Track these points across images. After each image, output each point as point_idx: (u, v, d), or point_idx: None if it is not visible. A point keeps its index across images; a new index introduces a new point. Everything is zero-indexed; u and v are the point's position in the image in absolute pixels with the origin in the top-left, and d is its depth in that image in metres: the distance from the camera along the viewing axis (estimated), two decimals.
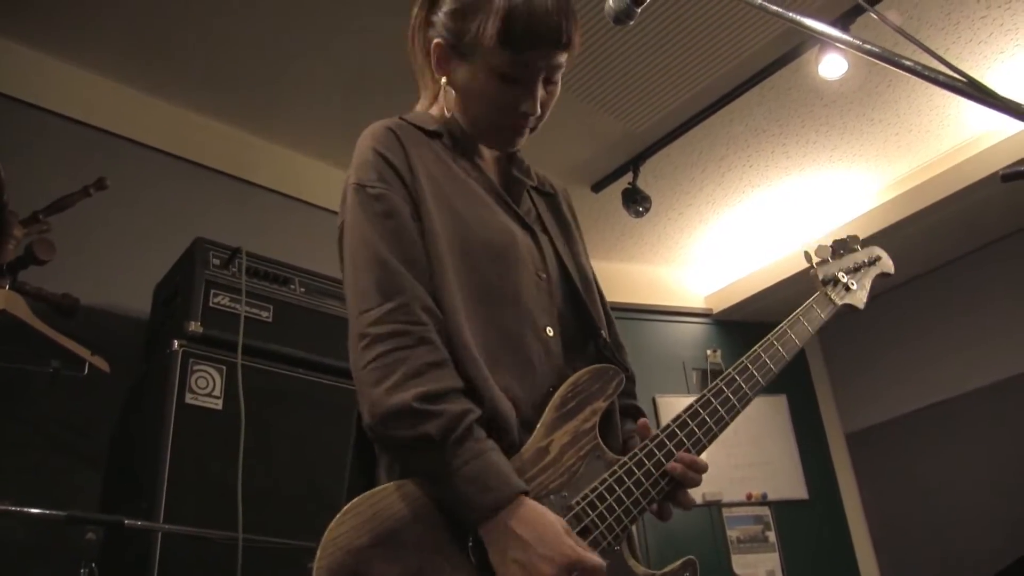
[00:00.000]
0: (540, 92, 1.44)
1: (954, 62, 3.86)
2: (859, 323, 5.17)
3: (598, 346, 1.49)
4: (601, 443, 1.35)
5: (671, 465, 1.36)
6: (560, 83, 1.49)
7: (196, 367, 2.56)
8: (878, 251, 1.87)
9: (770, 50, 3.62)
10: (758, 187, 4.53)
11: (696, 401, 1.43)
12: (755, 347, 1.54)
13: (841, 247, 1.81)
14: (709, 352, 5.07)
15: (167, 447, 2.39)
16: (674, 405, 4.82)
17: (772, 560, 4.64)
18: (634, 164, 4.18)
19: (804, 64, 3.69)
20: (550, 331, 1.40)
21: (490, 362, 1.30)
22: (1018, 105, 1.12)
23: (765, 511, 4.76)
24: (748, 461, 4.80)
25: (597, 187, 4.39)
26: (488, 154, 1.60)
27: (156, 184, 3.44)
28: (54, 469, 2.75)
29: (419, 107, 1.59)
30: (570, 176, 4.33)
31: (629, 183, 4.24)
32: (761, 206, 4.70)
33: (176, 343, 2.54)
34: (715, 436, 1.42)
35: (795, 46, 3.60)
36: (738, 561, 4.57)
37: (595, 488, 1.29)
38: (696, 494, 1.55)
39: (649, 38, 3.48)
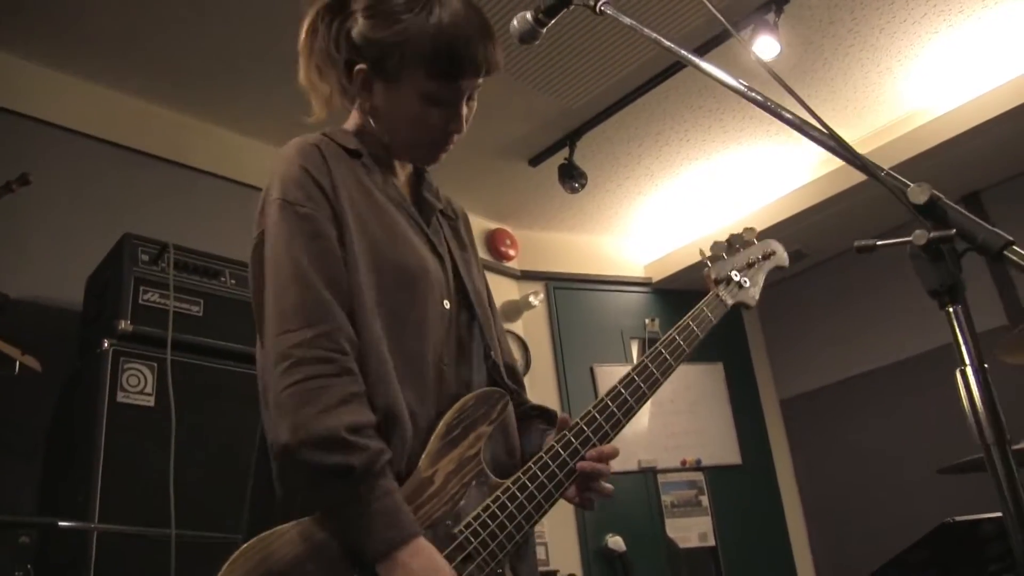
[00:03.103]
0: (464, 109, 1.54)
1: (887, 41, 4.00)
2: (796, 292, 5.42)
3: (488, 369, 1.59)
4: (485, 468, 1.44)
5: (581, 464, 1.47)
6: (476, 101, 1.60)
7: (127, 365, 2.69)
8: (773, 245, 1.93)
9: (705, 29, 3.76)
10: (696, 160, 4.70)
11: (580, 419, 1.53)
12: (642, 358, 1.63)
13: (737, 241, 1.89)
14: (647, 321, 5.28)
15: (100, 446, 2.53)
16: (612, 375, 5.04)
17: (705, 523, 4.92)
18: (570, 140, 4.33)
19: (739, 43, 3.83)
20: (446, 359, 1.50)
21: (397, 388, 1.39)
22: (835, 137, 1.29)
23: (699, 476, 5.02)
24: (684, 428, 5.05)
25: (534, 161, 4.53)
26: (402, 174, 1.68)
27: (86, 171, 3.49)
28: None
29: (315, 112, 1.63)
30: (507, 151, 4.46)
31: (565, 158, 4.38)
32: (699, 178, 4.88)
33: (106, 343, 2.67)
34: (592, 446, 1.51)
35: (731, 24, 3.73)
36: (672, 525, 4.84)
37: (478, 516, 1.39)
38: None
39: (584, 17, 3.59)
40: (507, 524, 1.41)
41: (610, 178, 4.77)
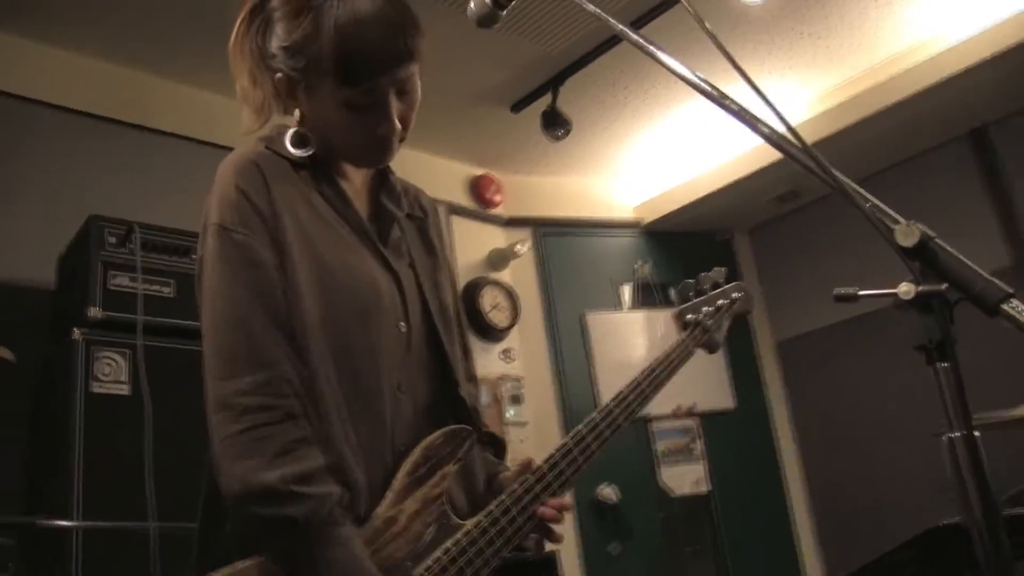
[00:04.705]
0: (397, 108, 1.45)
1: None
2: (792, 231, 5.39)
3: (455, 402, 1.56)
4: (448, 510, 1.43)
5: (542, 510, 1.48)
6: (418, 88, 1.49)
7: (99, 354, 2.67)
8: (736, 292, 1.98)
9: None
10: (685, 100, 4.58)
11: (544, 463, 1.53)
12: (607, 403, 1.63)
13: (706, 282, 1.95)
14: (637, 265, 5.24)
15: (77, 441, 2.54)
16: (603, 321, 5.03)
17: (698, 470, 4.97)
18: (553, 85, 4.22)
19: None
20: (403, 388, 1.47)
21: (345, 422, 1.36)
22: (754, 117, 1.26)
23: (692, 423, 5.05)
24: (676, 375, 5.04)
25: (516, 107, 4.43)
26: (358, 180, 1.60)
27: (46, 142, 3.35)
28: None
29: (246, 123, 1.54)
30: (488, 97, 4.36)
31: (548, 105, 4.29)
32: (691, 118, 4.77)
33: (76, 332, 2.64)
34: (554, 494, 1.53)
35: None
36: (665, 473, 4.89)
37: (438, 559, 1.38)
38: None
39: None
40: (465, 569, 1.40)
41: (596, 122, 4.67)
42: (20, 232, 3.17)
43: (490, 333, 4.72)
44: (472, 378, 1.71)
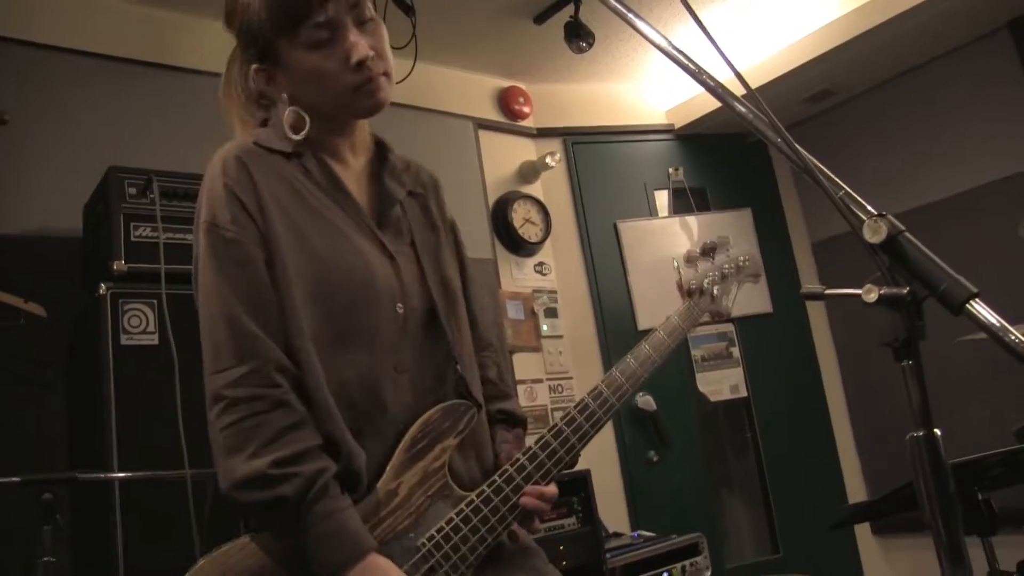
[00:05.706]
0: (361, 37, 1.47)
1: None
2: (826, 131, 5.24)
3: (457, 381, 1.58)
4: (449, 481, 1.48)
5: (524, 500, 1.50)
6: (378, 20, 1.53)
7: (127, 306, 2.74)
8: (744, 256, 1.97)
9: None
10: (711, 4, 4.44)
11: (547, 431, 1.56)
12: (611, 369, 1.66)
13: (711, 250, 1.92)
14: (671, 170, 5.16)
15: (111, 394, 2.63)
16: (637, 229, 5.00)
17: (736, 375, 4.99)
18: None
19: None
20: (402, 369, 1.49)
21: (345, 408, 1.41)
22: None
23: (729, 328, 5.03)
24: None
25: (539, 19, 4.32)
26: (357, 164, 1.62)
27: (64, 88, 3.33)
28: (17, 427, 2.86)
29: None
30: (509, 9, 4.26)
31: (571, 16, 4.18)
32: (718, 20, 4.62)
33: (103, 286, 2.71)
34: (565, 466, 1.56)
35: None
36: (702, 379, 4.92)
37: (441, 528, 1.44)
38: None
39: None
40: (470, 537, 1.45)
41: (622, 28, 4.48)
42: (46, 181, 3.19)
43: (523, 248, 4.73)
44: (488, 345, 1.74)
